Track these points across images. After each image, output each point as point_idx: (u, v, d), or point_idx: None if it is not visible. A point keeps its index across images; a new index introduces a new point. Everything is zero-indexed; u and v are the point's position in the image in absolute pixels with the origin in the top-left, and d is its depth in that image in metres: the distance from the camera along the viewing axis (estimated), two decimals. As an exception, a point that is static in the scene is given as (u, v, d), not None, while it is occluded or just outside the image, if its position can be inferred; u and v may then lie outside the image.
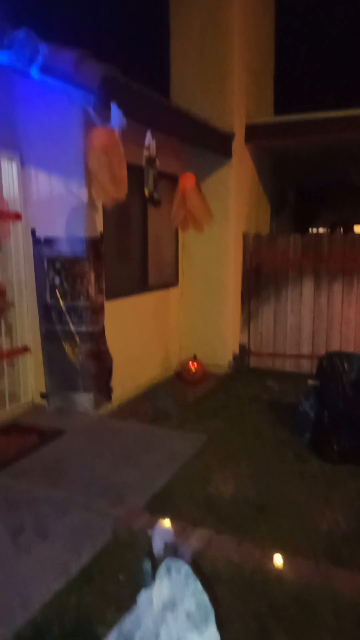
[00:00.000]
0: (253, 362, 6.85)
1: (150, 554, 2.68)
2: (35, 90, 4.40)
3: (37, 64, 3.65)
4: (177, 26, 6.29)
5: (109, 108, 3.82)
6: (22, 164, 4.77)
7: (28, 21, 3.79)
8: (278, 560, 2.80)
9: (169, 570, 2.12)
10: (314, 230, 13.66)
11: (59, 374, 4.94)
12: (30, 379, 5.12)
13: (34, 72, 3.74)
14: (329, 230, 13.45)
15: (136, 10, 8.17)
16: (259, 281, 6.72)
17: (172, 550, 2.76)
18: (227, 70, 6.12)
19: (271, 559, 2.81)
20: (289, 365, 6.71)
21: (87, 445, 4.28)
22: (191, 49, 6.21)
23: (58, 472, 3.80)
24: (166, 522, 3.10)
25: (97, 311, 4.85)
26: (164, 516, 3.16)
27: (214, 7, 6.05)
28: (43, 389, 5.08)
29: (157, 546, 2.77)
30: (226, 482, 3.71)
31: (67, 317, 4.81)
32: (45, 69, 3.70)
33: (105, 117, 3.89)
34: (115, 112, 3.71)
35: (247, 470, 3.91)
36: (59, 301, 4.82)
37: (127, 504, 3.36)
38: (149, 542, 2.84)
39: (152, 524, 3.08)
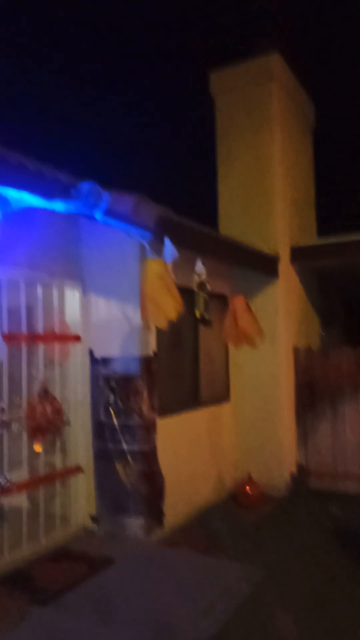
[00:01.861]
0: (312, 482, 6.45)
1: None
2: (97, 228, 4.94)
3: (100, 209, 4.13)
4: (223, 166, 7.01)
5: (163, 241, 4.20)
6: (84, 292, 5.20)
7: (94, 171, 4.37)
8: None
9: None
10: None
11: (110, 495, 4.85)
12: (82, 500, 5.03)
13: (98, 215, 4.23)
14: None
15: (186, 154, 9.27)
16: (314, 396, 6.57)
17: None
18: (270, 203, 6.64)
19: None
20: (352, 486, 6.25)
21: (137, 578, 4.04)
22: (236, 185, 6.85)
23: (106, 607, 3.57)
24: None
25: (150, 429, 4.86)
26: (220, 668, 2.85)
27: (256, 147, 6.75)
28: (94, 511, 4.96)
29: None
30: (289, 628, 3.34)
31: (120, 436, 4.84)
32: (107, 213, 4.17)
33: (159, 249, 4.26)
34: (169, 247, 4.07)
35: (313, 614, 3.51)
36: (112, 419, 4.89)
37: (180, 651, 3.06)
38: None
39: None
